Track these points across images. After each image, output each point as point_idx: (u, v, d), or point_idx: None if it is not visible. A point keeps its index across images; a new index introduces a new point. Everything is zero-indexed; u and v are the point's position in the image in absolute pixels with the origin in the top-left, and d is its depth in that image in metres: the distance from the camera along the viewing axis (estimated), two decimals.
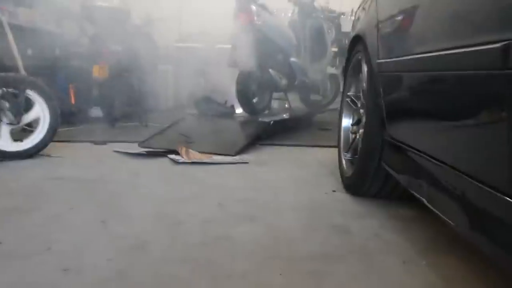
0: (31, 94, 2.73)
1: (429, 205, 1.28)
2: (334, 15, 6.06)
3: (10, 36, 3.07)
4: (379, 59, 1.79)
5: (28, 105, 2.77)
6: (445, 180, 1.17)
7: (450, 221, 1.14)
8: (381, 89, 1.75)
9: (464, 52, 1.03)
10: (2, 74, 2.72)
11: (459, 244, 1.51)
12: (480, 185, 0.96)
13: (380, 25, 1.84)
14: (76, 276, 1.26)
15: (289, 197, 2.09)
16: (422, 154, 1.32)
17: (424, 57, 1.30)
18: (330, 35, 5.64)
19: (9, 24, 3.21)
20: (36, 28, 4.22)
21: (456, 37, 1.13)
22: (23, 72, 3.08)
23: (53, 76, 4.09)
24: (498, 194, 0.89)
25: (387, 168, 1.75)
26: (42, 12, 4.42)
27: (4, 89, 2.64)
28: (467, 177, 1.02)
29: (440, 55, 1.18)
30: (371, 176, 1.93)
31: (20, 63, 3.13)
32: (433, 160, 1.22)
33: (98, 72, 4.08)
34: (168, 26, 5.06)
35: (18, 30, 3.66)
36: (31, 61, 3.80)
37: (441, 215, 1.19)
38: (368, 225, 1.73)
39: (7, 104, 2.66)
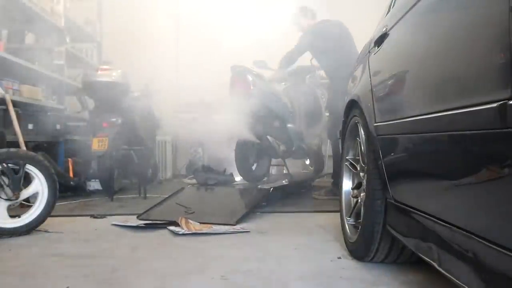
0: (31, 169, 2.73)
1: (440, 269, 1.24)
2: (326, 81, 6.27)
3: (12, 113, 3.13)
4: (376, 122, 1.81)
5: (27, 180, 2.76)
6: (455, 243, 1.15)
7: (464, 285, 1.09)
8: (380, 152, 1.76)
9: (460, 113, 1.05)
10: (3, 150, 2.74)
11: None
12: (492, 246, 0.94)
13: (374, 90, 1.89)
14: None
15: (294, 266, 2.02)
16: (428, 216, 1.30)
17: (420, 119, 1.32)
18: (324, 100, 5.79)
19: (12, 101, 3.30)
20: (38, 104, 4.33)
21: (447, 100, 1.16)
22: (23, 147, 3.11)
23: (52, 150, 4.13)
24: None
25: (392, 231, 1.72)
26: (45, 89, 4.55)
27: (4, 164, 2.64)
28: (477, 238, 1.00)
29: (434, 117, 1.20)
30: (377, 241, 1.87)
31: (21, 139, 3.17)
32: (441, 222, 1.20)
33: (97, 145, 4.12)
34: (167, 97, 5.18)
35: (20, 106, 3.75)
36: (32, 136, 3.86)
37: (454, 279, 1.15)
38: None
39: (6, 180, 2.65)
